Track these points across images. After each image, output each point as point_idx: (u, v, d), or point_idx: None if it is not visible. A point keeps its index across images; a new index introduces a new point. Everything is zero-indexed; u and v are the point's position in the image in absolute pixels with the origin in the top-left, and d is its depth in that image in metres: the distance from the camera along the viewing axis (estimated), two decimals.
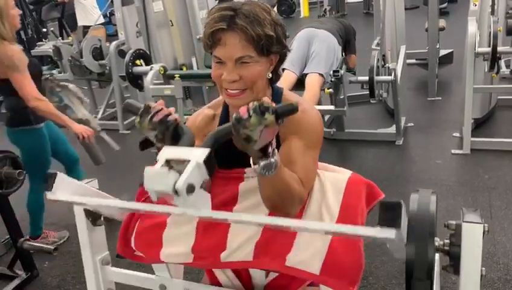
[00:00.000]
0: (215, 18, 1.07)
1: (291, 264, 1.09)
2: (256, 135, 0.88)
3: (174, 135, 1.00)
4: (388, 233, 0.71)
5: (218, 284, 1.36)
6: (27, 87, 2.40)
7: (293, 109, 0.90)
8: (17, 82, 2.41)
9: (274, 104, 0.90)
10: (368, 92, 3.53)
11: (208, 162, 0.79)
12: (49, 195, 1.08)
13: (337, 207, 1.16)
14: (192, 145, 1.00)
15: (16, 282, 2.50)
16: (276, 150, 0.97)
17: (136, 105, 1.04)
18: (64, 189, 1.12)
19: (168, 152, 0.82)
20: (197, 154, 0.80)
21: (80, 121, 2.74)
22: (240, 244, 1.14)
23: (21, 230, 2.54)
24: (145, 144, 1.04)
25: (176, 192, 0.75)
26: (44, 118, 2.58)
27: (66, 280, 2.55)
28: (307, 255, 1.09)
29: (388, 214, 0.74)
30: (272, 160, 0.95)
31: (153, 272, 1.40)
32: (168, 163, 0.79)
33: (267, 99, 0.90)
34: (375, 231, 0.73)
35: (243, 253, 1.13)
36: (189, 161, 0.78)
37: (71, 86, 2.83)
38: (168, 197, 0.78)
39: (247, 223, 0.87)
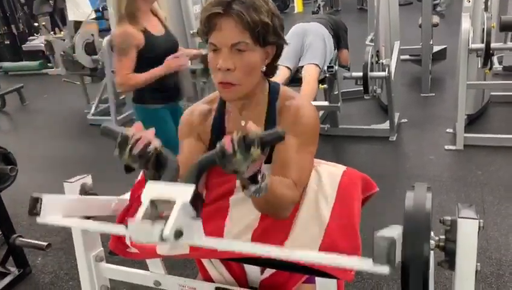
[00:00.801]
0: (211, 3, 1.06)
1: None
2: (242, 169, 0.85)
3: (157, 164, 0.95)
4: (382, 269, 0.73)
5: (212, 282, 1.35)
6: (118, 70, 2.42)
7: (279, 137, 0.85)
8: (114, 62, 2.59)
9: (259, 130, 0.85)
10: (361, 88, 3.54)
11: (194, 200, 0.77)
12: (39, 219, 1.03)
13: (334, 195, 1.17)
14: (176, 175, 0.96)
15: (8, 279, 2.48)
16: (265, 174, 0.94)
17: (114, 130, 0.95)
18: (54, 210, 1.07)
19: (152, 191, 0.79)
20: (183, 193, 0.77)
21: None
22: (237, 234, 1.14)
23: (13, 226, 2.52)
24: (130, 168, 1.00)
25: (163, 239, 0.73)
26: (165, 100, 2.55)
27: (59, 277, 2.53)
28: (304, 241, 1.09)
29: (382, 251, 0.74)
30: (262, 185, 0.92)
31: (147, 269, 1.40)
32: (153, 203, 0.78)
33: (253, 127, 0.85)
34: (369, 265, 0.74)
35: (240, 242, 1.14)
36: (174, 201, 0.75)
37: None
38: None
39: (241, 251, 0.88)
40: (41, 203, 1.04)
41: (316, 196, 1.17)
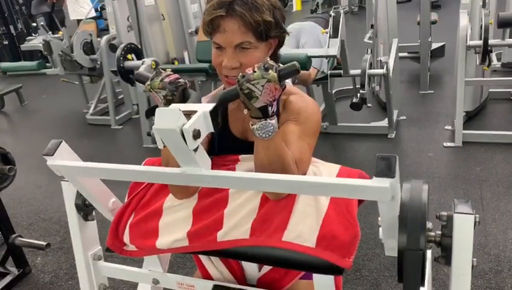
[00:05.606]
0: (213, 5, 1.09)
1: (288, 239, 1.09)
2: (258, 90, 0.94)
3: (182, 96, 1.06)
4: (383, 182, 0.73)
5: (211, 279, 1.35)
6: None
7: (294, 70, 0.95)
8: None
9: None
10: (360, 86, 3.51)
11: (213, 114, 0.87)
12: (49, 161, 1.09)
13: None
14: None
15: (8, 279, 2.48)
16: (275, 117, 1.02)
17: (146, 75, 1.11)
18: (65, 157, 1.13)
19: (177, 105, 0.88)
20: (204, 107, 0.87)
21: None
22: (236, 223, 1.14)
23: (12, 226, 2.52)
24: (151, 112, 1.09)
25: (182, 134, 0.80)
26: None
27: (59, 276, 2.53)
28: (302, 229, 1.09)
29: (383, 166, 0.75)
30: (270, 121, 1.00)
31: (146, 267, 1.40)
32: None
33: (271, 61, 0.96)
34: (370, 181, 0.75)
35: (239, 231, 1.14)
36: (196, 111, 0.85)
37: None
38: (173, 147, 0.83)
39: (248, 184, 0.92)
40: (58, 146, 1.12)
41: None
